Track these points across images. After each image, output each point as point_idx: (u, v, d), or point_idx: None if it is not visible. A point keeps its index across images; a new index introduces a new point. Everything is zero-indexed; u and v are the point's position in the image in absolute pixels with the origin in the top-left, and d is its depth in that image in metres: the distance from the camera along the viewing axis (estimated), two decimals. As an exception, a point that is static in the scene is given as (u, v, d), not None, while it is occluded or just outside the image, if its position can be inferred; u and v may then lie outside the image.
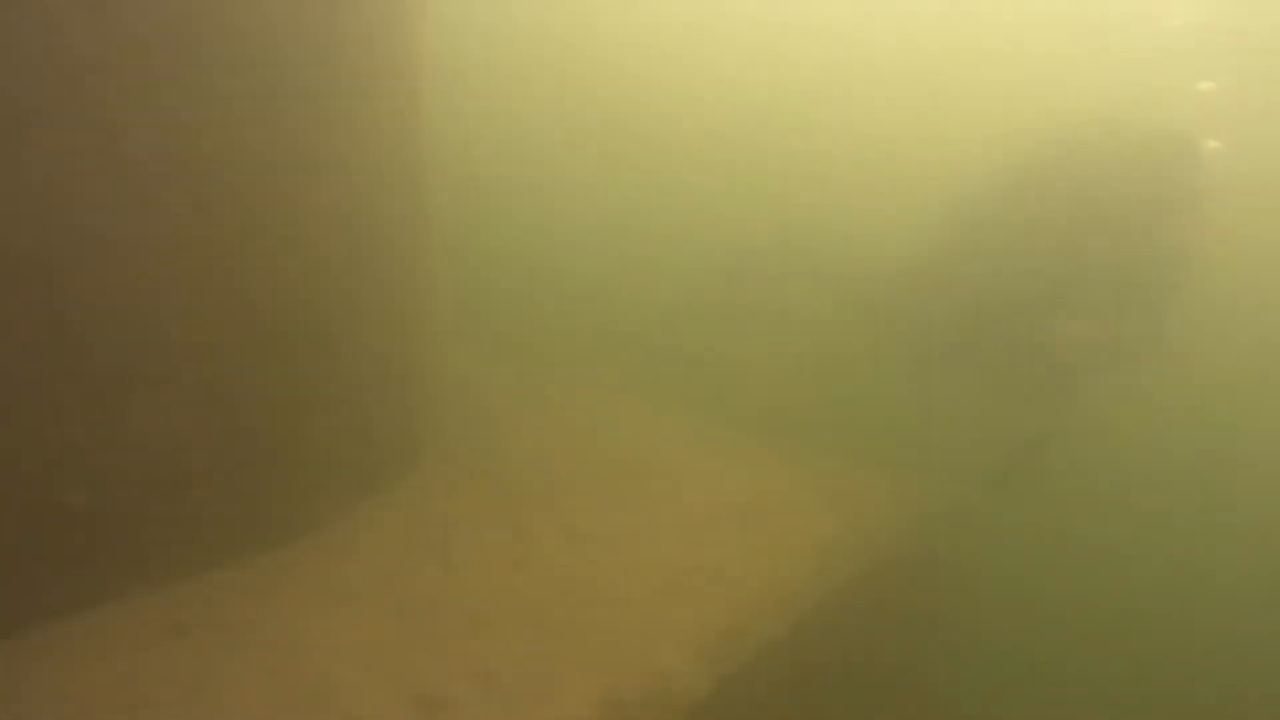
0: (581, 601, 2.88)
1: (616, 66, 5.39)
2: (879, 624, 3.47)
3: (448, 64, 3.87)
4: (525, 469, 3.53)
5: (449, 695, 2.37)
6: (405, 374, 3.35)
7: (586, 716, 2.38)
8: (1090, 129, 4.29)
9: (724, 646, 2.76)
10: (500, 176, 5.15)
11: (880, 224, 4.61)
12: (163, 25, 2.38)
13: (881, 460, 3.80)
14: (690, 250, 4.99)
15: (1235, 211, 4.13)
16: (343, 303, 2.96)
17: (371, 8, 2.93)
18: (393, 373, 3.26)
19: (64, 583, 2.45)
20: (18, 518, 2.35)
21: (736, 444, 3.81)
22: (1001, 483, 4.19)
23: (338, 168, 2.85)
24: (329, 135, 2.81)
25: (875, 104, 4.98)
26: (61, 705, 2.20)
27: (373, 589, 2.75)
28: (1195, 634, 4.16)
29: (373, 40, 2.96)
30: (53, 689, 2.23)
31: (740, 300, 4.84)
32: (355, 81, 2.90)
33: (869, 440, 4.04)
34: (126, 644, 2.41)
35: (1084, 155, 4.26)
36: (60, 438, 2.38)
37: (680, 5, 5.55)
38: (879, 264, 4.62)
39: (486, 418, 3.88)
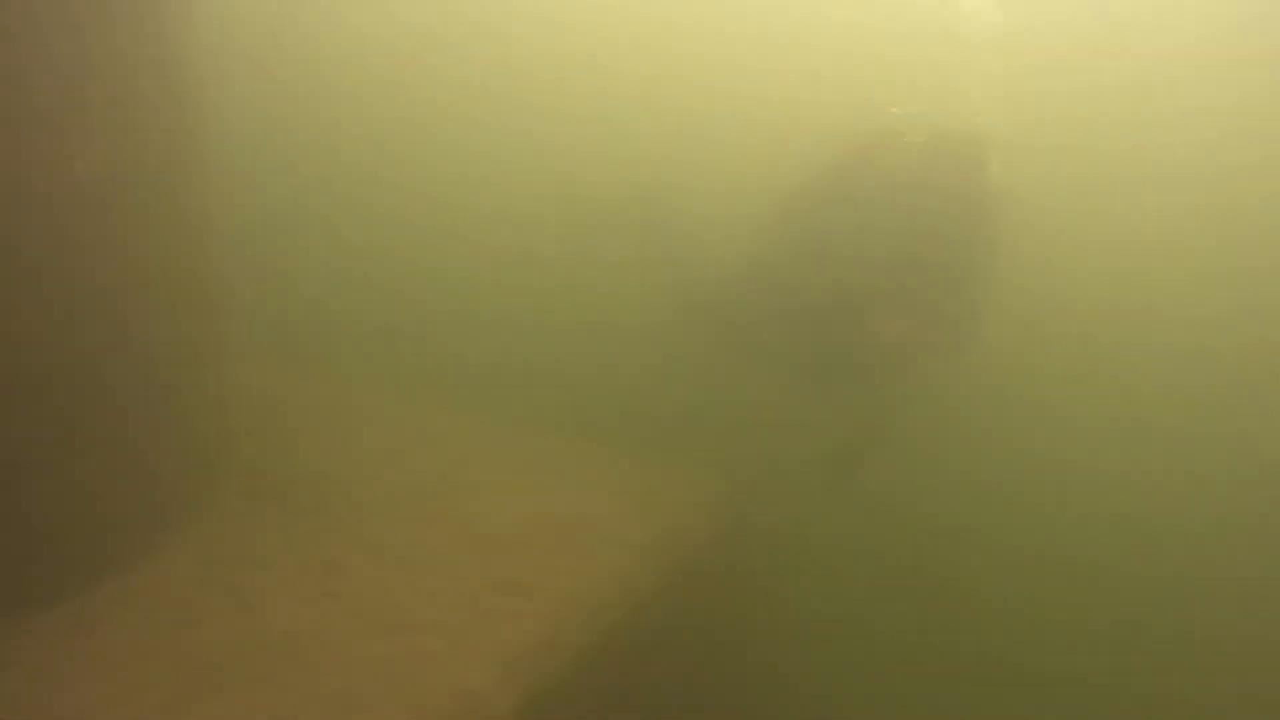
0: (388, 629, 2.85)
1: (422, 63, 5.21)
2: (694, 632, 3.53)
3: (233, 70, 3.66)
4: (333, 493, 3.45)
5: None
6: (194, 402, 3.18)
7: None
8: (896, 131, 4.45)
9: (532, 663, 2.78)
10: (293, 182, 4.91)
11: (700, 224, 4.65)
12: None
13: (702, 463, 3.83)
14: (503, 254, 4.90)
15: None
16: (111, 330, 2.78)
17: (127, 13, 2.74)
18: (178, 402, 3.09)
19: None
20: None
21: (552, 454, 3.81)
22: (835, 478, 4.28)
23: (96, 180, 2.66)
24: (82, 146, 2.61)
25: (692, 104, 5.01)
26: None
27: (150, 650, 2.61)
28: (1023, 630, 4.31)
29: (130, 49, 2.77)
30: None
31: (556, 306, 4.81)
32: (110, 92, 2.71)
33: (689, 444, 4.07)
34: None
35: (891, 156, 4.42)
36: None
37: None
38: (699, 265, 4.66)
39: (292, 441, 3.73)
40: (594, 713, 2.99)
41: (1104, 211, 4.66)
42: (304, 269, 4.90)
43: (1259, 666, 4.17)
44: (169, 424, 3.09)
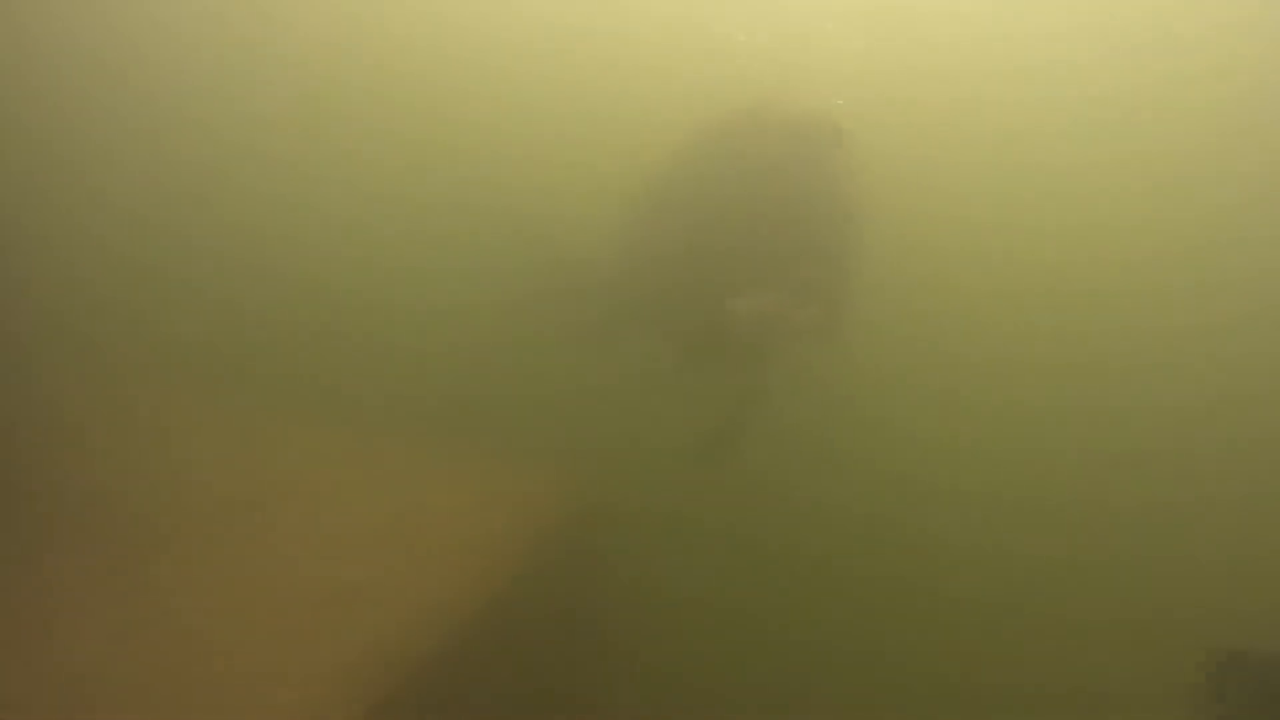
0: (215, 653, 2.54)
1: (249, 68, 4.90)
2: (551, 625, 3.39)
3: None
4: (148, 509, 3.09)
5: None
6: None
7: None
8: (748, 113, 4.39)
9: (373, 673, 2.52)
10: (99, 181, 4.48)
11: (555, 209, 4.48)
12: None
13: (558, 454, 3.70)
14: (343, 245, 4.58)
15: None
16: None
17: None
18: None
19: None
20: None
21: (393, 452, 3.54)
22: (705, 462, 4.19)
23: None
24: None
25: (548, 89, 4.83)
26: None
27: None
28: (889, 609, 4.26)
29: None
30: None
31: (403, 297, 4.52)
32: None
33: (543, 434, 3.92)
34: None
35: (745, 138, 4.36)
36: None
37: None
38: (553, 251, 4.48)
39: (102, 454, 3.34)
40: (443, 717, 2.73)
41: (968, 194, 4.71)
42: (106, 266, 4.46)
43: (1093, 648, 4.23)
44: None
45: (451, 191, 4.59)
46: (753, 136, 4.29)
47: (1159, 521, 4.31)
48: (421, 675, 2.60)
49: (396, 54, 4.93)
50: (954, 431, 4.60)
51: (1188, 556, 4.16)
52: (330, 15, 5.13)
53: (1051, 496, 4.41)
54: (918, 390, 4.64)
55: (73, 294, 4.07)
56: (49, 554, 2.82)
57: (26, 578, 2.73)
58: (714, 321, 4.13)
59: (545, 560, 3.20)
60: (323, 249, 4.60)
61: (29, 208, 3.24)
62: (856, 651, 4.14)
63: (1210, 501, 4.28)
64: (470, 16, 5.01)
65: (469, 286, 4.39)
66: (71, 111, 4.80)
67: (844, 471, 4.44)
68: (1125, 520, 4.34)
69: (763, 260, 4.15)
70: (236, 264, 4.59)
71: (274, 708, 2.42)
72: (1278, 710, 3.43)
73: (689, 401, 4.27)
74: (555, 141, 4.69)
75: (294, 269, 4.57)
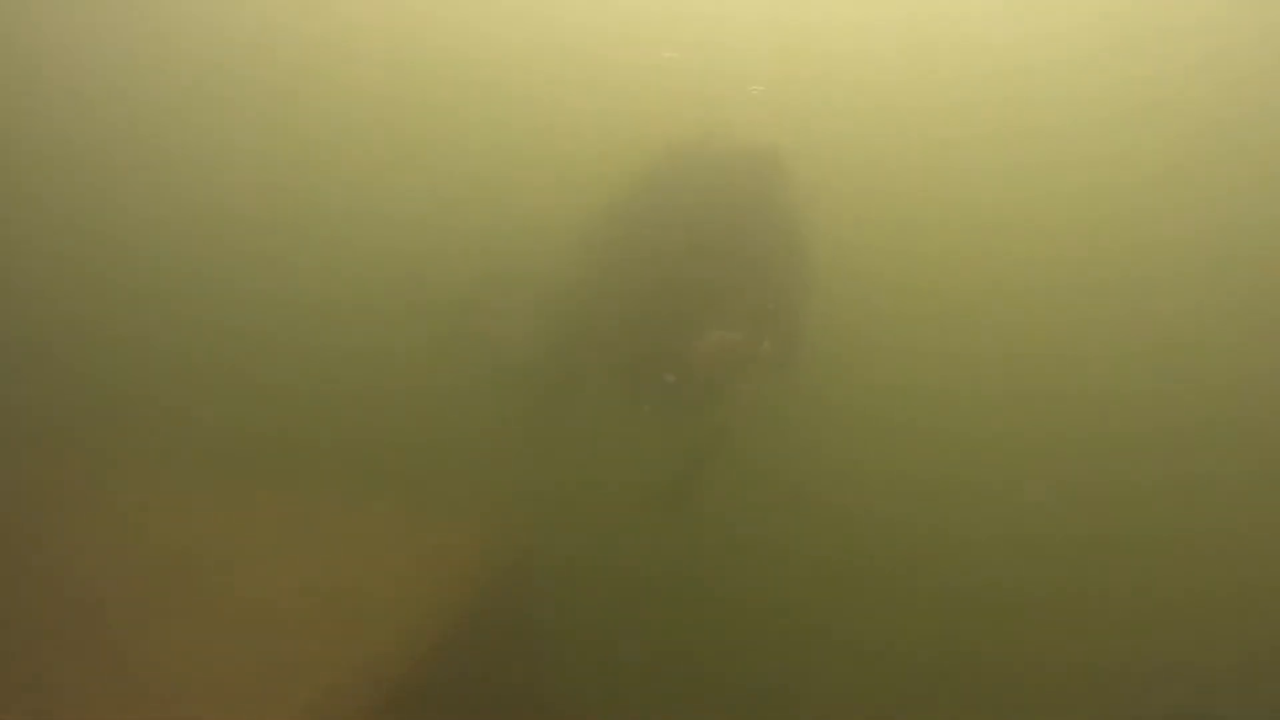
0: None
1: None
2: (491, 686, 3.24)
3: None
4: (56, 586, 2.86)
5: None
6: None
7: None
8: (696, 144, 4.29)
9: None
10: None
11: (497, 243, 4.32)
12: None
13: (507, 504, 3.50)
14: (260, 283, 4.36)
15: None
16: None
17: None
18: None
19: None
20: None
21: (320, 512, 3.36)
22: (664, 507, 4.03)
23: None
24: None
25: (490, 117, 4.67)
26: None
27: None
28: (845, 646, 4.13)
29: None
30: None
31: (341, 340, 4.32)
32: None
33: (494, 484, 3.75)
34: None
35: (686, 173, 4.26)
36: None
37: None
38: (496, 288, 4.32)
39: (12, 526, 3.12)
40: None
41: (921, 221, 4.60)
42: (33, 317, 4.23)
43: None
44: None
45: (386, 234, 4.39)
46: (694, 171, 4.19)
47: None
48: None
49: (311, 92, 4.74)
50: (919, 464, 4.47)
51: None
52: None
53: (1026, 529, 4.24)
54: (879, 422, 4.52)
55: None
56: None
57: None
58: (669, 357, 4.01)
59: (491, 618, 3.03)
60: (248, 293, 4.40)
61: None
62: (827, 698, 4.00)
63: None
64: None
65: (408, 328, 4.23)
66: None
67: (806, 510, 4.30)
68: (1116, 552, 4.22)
69: (714, 294, 4.04)
70: (165, 315, 4.41)
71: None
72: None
73: (646, 445, 4.12)
74: (495, 183, 4.52)
75: (217, 313, 4.40)
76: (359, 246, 4.37)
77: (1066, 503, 4.23)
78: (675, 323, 4.03)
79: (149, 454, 3.63)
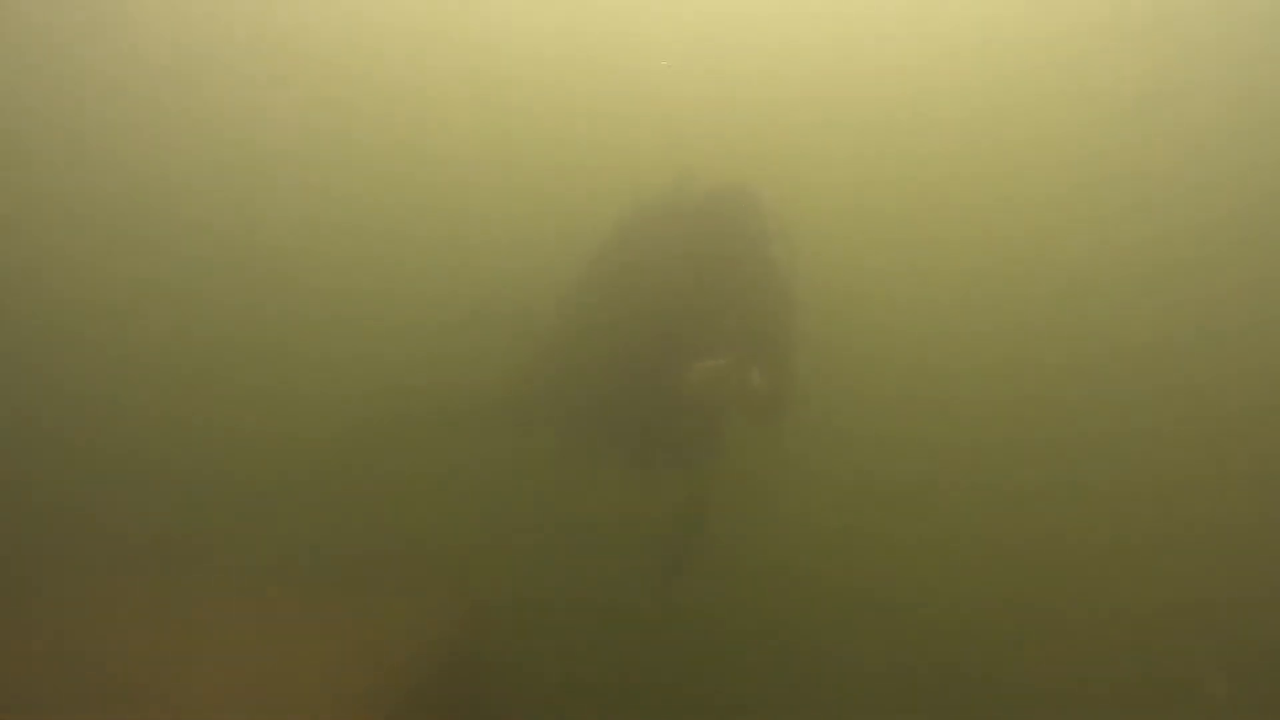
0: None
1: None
2: None
3: None
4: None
5: None
6: None
7: None
8: (672, 188, 4.17)
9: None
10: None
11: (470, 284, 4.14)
12: None
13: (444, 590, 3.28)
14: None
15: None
16: None
17: None
18: None
19: None
20: None
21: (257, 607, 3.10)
22: (670, 571, 3.79)
23: None
24: None
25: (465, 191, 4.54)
26: None
27: None
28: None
29: None
30: None
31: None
32: None
33: (428, 570, 3.48)
34: None
35: (669, 215, 4.12)
36: None
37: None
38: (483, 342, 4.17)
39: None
40: None
41: (906, 262, 4.49)
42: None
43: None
44: None
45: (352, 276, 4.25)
46: (675, 215, 4.05)
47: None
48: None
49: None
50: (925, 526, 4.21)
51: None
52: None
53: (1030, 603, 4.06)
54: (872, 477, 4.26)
55: None
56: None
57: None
58: (661, 405, 3.76)
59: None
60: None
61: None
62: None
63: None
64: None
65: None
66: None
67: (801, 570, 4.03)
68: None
69: (703, 336, 3.85)
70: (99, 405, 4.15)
71: None
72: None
73: (638, 509, 3.88)
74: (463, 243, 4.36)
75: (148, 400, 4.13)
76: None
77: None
78: (665, 365, 3.85)
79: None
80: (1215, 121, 4.64)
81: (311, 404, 3.87)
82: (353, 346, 4.00)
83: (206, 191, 4.45)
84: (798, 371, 3.85)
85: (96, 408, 4.03)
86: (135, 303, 4.26)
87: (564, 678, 3.43)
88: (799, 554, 4.05)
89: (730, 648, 3.96)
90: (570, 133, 4.42)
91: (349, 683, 2.75)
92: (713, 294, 3.85)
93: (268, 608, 3.07)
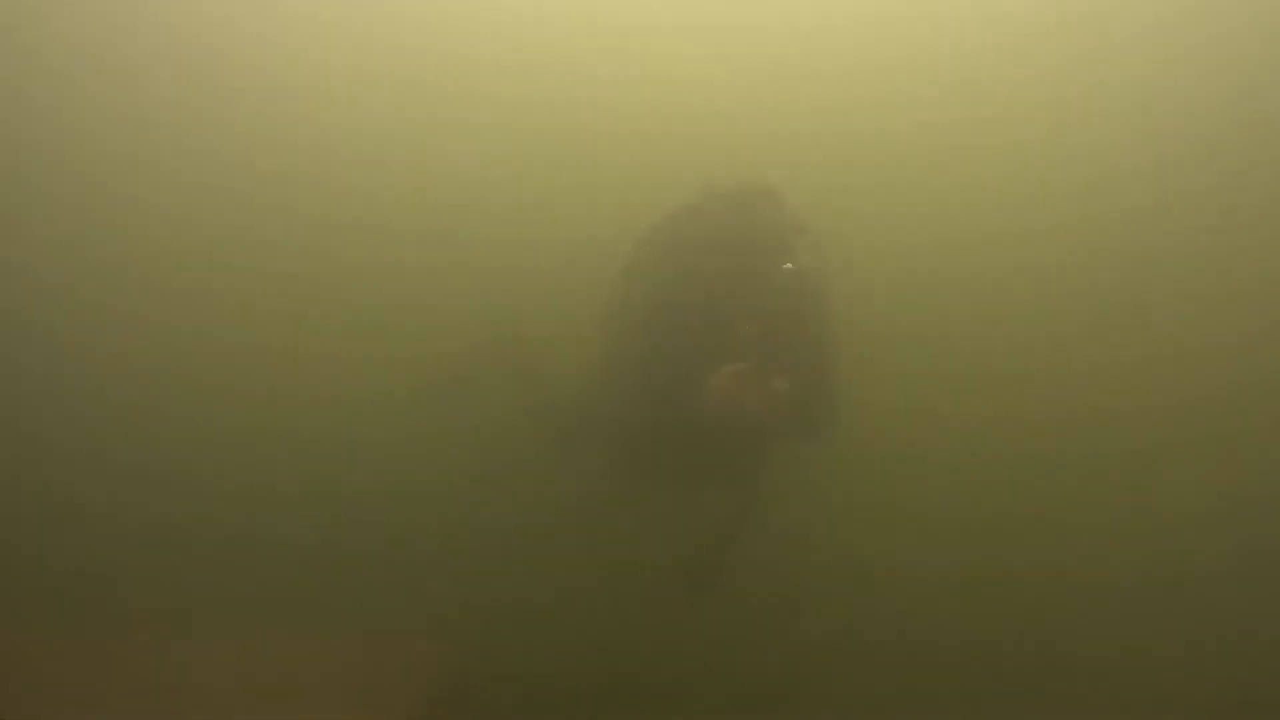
0: None
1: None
2: None
3: None
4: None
5: None
6: None
7: None
8: (696, 197, 4.06)
9: None
10: None
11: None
12: None
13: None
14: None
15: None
16: None
17: None
18: None
19: None
20: None
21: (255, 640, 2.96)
22: (697, 589, 3.74)
23: None
24: None
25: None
26: None
27: None
28: None
29: None
30: None
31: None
32: None
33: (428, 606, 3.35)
34: None
35: (695, 227, 4.01)
36: None
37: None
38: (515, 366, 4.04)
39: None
40: None
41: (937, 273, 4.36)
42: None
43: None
44: None
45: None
46: (700, 221, 3.94)
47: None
48: None
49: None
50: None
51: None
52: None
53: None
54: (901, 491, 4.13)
55: None
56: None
57: None
58: (694, 418, 3.61)
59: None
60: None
61: None
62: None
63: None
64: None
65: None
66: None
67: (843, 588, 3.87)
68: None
69: (738, 346, 3.72)
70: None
71: None
72: None
73: (670, 523, 3.81)
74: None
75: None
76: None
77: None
78: (698, 377, 3.72)
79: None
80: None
81: (344, 407, 3.85)
82: (378, 351, 3.98)
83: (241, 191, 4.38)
84: (834, 384, 3.75)
85: (97, 407, 3.91)
86: (136, 303, 4.16)
87: (589, 690, 3.29)
88: (827, 574, 3.92)
89: (753, 664, 3.82)
90: (593, 142, 4.35)
91: (366, 689, 2.62)
92: (743, 304, 3.74)
93: (277, 610, 2.94)
